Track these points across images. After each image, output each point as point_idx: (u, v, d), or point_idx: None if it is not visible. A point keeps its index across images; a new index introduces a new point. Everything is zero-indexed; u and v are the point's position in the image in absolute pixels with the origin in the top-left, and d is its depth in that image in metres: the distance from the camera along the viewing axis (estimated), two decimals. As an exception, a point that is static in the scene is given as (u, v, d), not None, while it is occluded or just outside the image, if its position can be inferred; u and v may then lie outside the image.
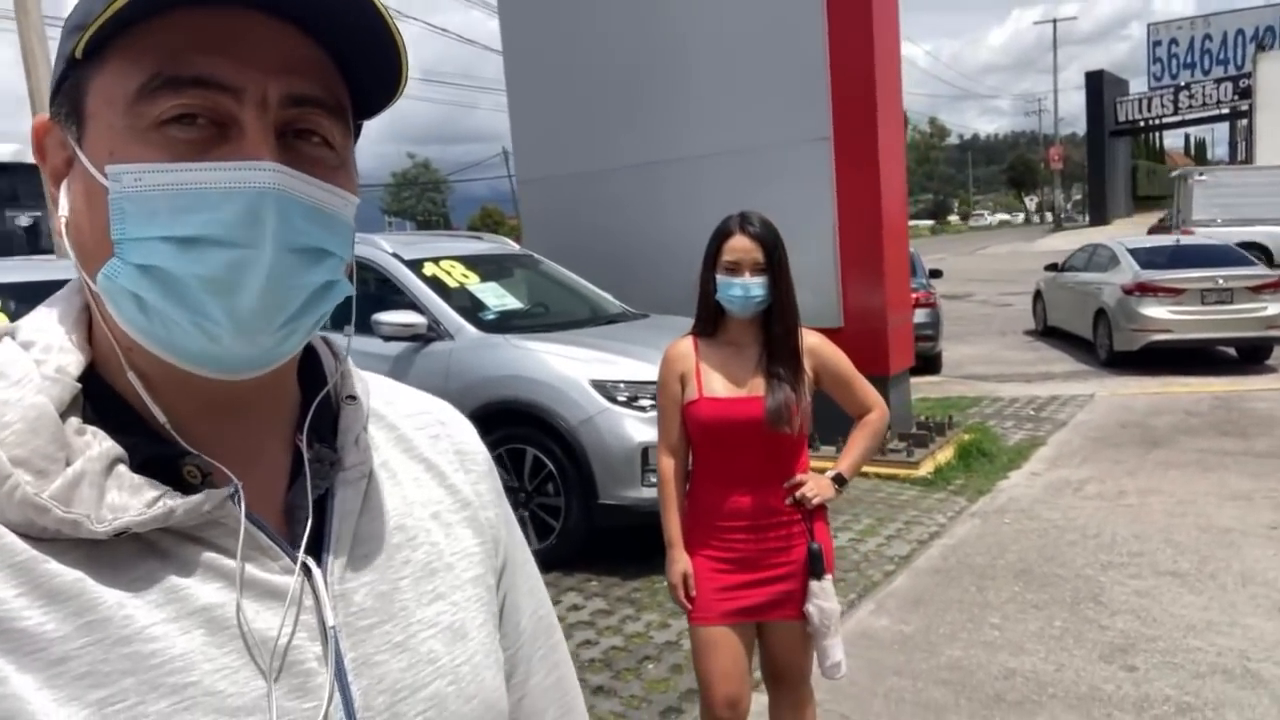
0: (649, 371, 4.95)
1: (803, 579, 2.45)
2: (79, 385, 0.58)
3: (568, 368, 5.03)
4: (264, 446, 0.65)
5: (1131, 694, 3.53)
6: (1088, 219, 45.15)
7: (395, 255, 5.77)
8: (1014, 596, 4.53)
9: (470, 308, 5.67)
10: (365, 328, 5.40)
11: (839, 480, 2.53)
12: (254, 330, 0.57)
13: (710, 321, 2.51)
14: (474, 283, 5.95)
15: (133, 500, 0.55)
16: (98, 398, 0.59)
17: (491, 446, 4.52)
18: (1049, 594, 4.53)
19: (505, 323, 5.67)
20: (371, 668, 0.62)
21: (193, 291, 0.55)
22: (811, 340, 2.52)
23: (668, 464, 2.55)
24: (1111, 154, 42.40)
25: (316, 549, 0.62)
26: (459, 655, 0.68)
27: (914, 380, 7.98)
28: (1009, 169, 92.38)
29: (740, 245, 2.41)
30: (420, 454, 0.75)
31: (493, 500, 0.79)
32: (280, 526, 0.63)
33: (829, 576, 2.45)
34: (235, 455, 0.61)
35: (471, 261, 6.18)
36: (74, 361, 0.59)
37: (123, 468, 0.57)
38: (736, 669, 2.46)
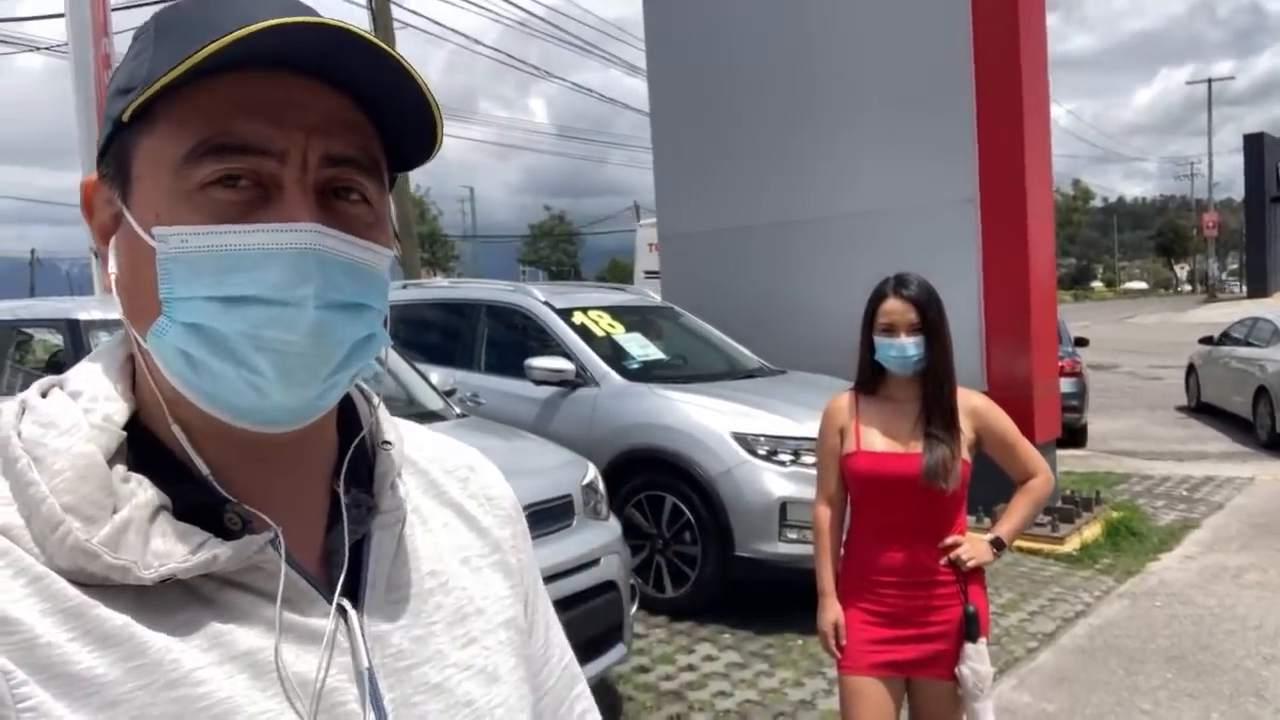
0: (789, 426, 5.02)
1: (955, 640, 2.46)
2: (124, 434, 0.60)
3: (709, 419, 5.15)
4: (302, 492, 0.67)
5: (1301, 795, 3.33)
6: (1245, 290, 42.55)
7: (547, 304, 6.04)
8: (1166, 683, 4.33)
9: (615, 356, 5.87)
10: (518, 371, 5.67)
11: (997, 544, 2.54)
12: (300, 384, 0.59)
13: (870, 379, 2.59)
14: (619, 332, 6.16)
15: (177, 547, 0.57)
16: (141, 446, 0.61)
17: (631, 492, 4.66)
18: (1205, 684, 4.31)
19: (648, 372, 5.84)
20: (410, 708, 0.63)
21: (240, 348, 0.57)
22: (975, 401, 2.56)
23: (824, 514, 2.62)
24: (1273, 221, 39.94)
25: (353, 593, 0.64)
26: (494, 698, 0.69)
27: (1059, 453, 7.73)
28: (1157, 235, 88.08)
29: (894, 308, 2.50)
30: (450, 499, 0.77)
31: (520, 545, 0.80)
32: (318, 571, 0.64)
33: (984, 639, 2.46)
34: (274, 501, 0.63)
35: (617, 312, 6.40)
36: (119, 410, 0.61)
37: (167, 515, 0.58)
38: (882, 719, 2.48)
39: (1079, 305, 57.58)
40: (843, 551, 2.63)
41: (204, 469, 0.61)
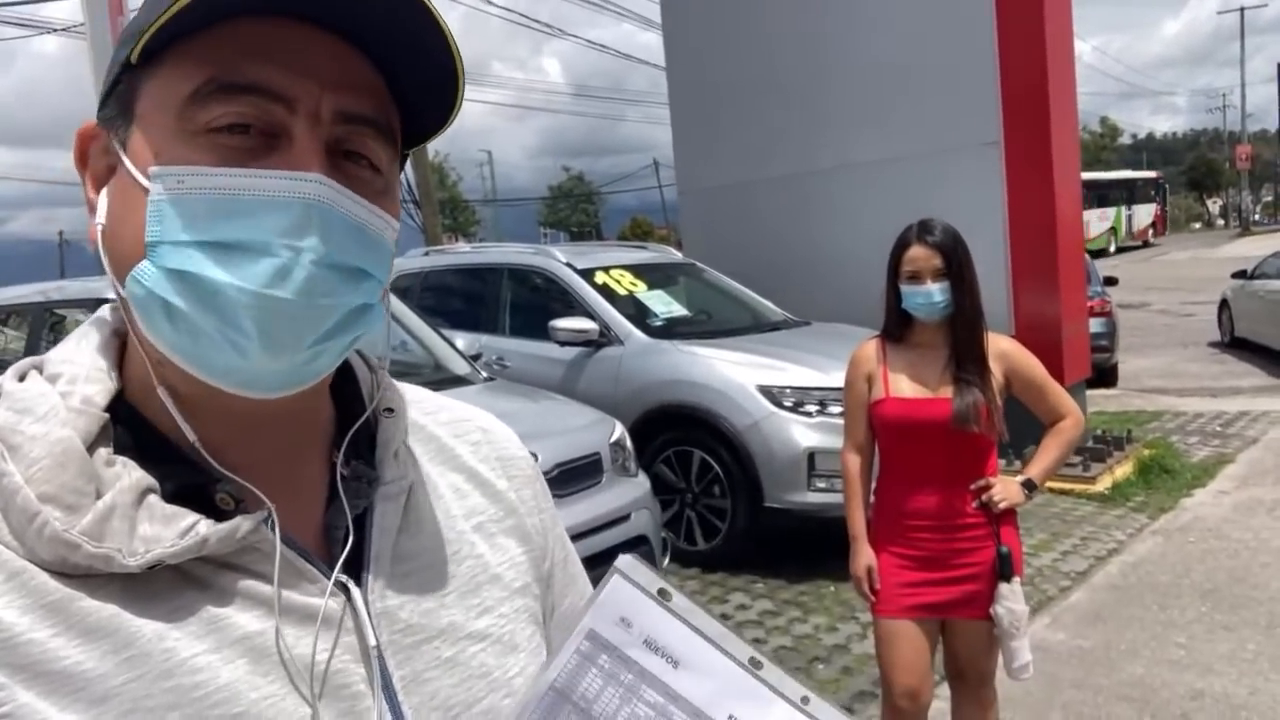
0: (814, 378, 5.03)
1: (989, 580, 2.48)
2: (106, 416, 0.57)
3: (735, 373, 5.16)
4: (300, 466, 0.64)
5: (1338, 723, 3.34)
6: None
7: (569, 265, 6.05)
8: (1201, 617, 4.34)
9: (638, 314, 5.88)
10: (541, 333, 5.70)
11: (1028, 485, 2.55)
12: (283, 347, 0.56)
13: (897, 327, 2.58)
14: (642, 290, 6.17)
15: (165, 531, 0.54)
16: (127, 426, 0.58)
17: (659, 449, 4.72)
18: (1240, 616, 4.31)
19: (672, 329, 5.85)
20: (422, 685, 0.61)
21: (223, 300, 0.54)
22: (1004, 345, 2.56)
23: (853, 461, 2.64)
24: (1309, 151, 38.91)
25: (357, 568, 0.61)
26: (511, 668, 0.66)
27: (1090, 393, 7.68)
28: (1189, 170, 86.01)
29: (919, 254, 2.49)
30: (462, 463, 0.74)
31: (538, 506, 0.77)
32: (319, 547, 0.62)
33: (1018, 579, 2.48)
34: (270, 477, 0.60)
35: (639, 270, 6.40)
36: (101, 391, 0.58)
37: (154, 498, 0.55)
38: (918, 661, 2.52)
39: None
40: (873, 498, 2.66)
41: (191, 435, 0.58)
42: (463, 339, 5.62)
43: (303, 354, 0.57)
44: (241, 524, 0.56)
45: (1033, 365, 2.57)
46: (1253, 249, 22.93)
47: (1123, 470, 6.61)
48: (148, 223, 0.55)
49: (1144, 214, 39.40)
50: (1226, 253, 32.16)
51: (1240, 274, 13.12)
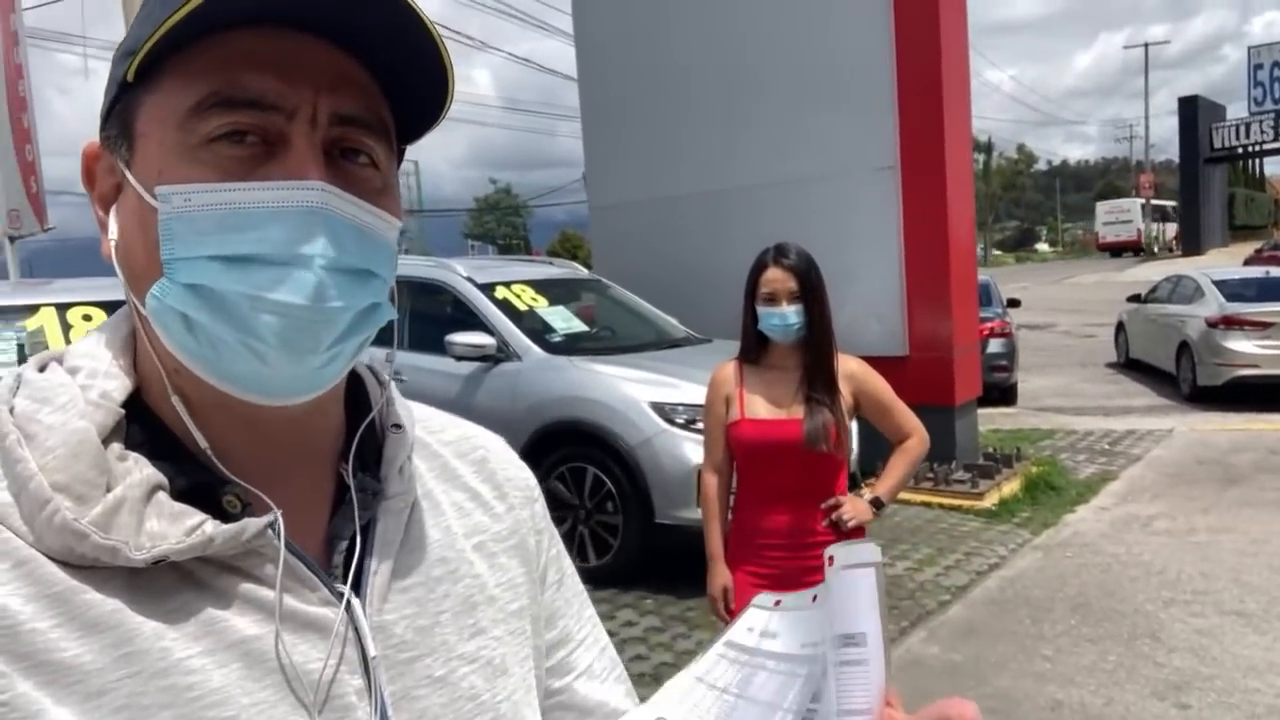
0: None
1: (836, 597, 2.54)
2: (122, 411, 0.58)
3: (628, 390, 5.19)
4: (307, 475, 0.65)
5: (1183, 731, 3.50)
6: (1180, 248, 43.55)
7: (469, 279, 6.02)
8: (1069, 630, 4.50)
9: (539, 330, 5.87)
10: (439, 347, 5.65)
11: (876, 503, 2.62)
12: (302, 350, 0.57)
13: (753, 348, 2.64)
14: (543, 306, 6.17)
15: (171, 528, 0.55)
16: (141, 424, 0.60)
17: (554, 465, 4.68)
18: (1105, 629, 4.48)
19: (571, 345, 5.86)
20: (411, 702, 0.61)
21: (241, 310, 0.55)
22: (851, 366, 2.62)
23: (711, 482, 2.68)
24: (1206, 182, 40.84)
25: (356, 580, 0.62)
26: (500, 692, 0.66)
27: (989, 411, 7.92)
28: (1098, 197, 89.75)
29: (775, 277, 2.55)
30: (464, 483, 0.75)
31: (539, 525, 0.78)
32: (320, 556, 0.62)
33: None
34: (277, 483, 0.61)
35: (541, 285, 6.40)
36: (118, 387, 0.59)
37: (163, 495, 0.56)
38: (771, 681, 2.56)
39: (1021, 267, 58.54)
40: (730, 517, 2.70)
41: (203, 442, 0.59)
42: (358, 352, 5.51)
43: (320, 357, 0.58)
44: (248, 526, 0.57)
45: (879, 386, 2.65)
46: (1155, 273, 23.96)
47: (1010, 487, 6.82)
48: (161, 241, 0.56)
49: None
50: (1131, 276, 33.53)
51: (1135, 298, 13.70)
